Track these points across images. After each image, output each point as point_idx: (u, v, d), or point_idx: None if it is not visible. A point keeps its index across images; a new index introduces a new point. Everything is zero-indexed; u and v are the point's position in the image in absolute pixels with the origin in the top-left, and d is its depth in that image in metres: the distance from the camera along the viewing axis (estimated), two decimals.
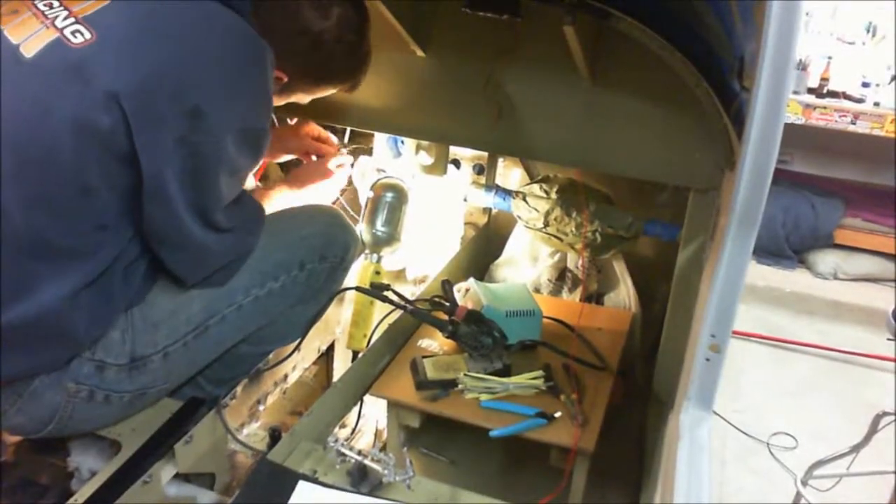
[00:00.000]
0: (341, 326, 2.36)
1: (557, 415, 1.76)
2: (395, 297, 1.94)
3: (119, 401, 1.43)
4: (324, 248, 1.69)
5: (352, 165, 2.26)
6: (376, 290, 1.95)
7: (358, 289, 2.01)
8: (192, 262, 1.44)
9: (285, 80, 1.59)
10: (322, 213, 1.80)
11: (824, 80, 4.19)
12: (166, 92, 1.22)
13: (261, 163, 1.55)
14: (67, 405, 1.38)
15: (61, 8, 1.28)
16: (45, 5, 1.30)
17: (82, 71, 1.21)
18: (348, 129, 2.57)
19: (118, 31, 1.25)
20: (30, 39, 1.25)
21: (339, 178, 2.06)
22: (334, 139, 2.21)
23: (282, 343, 1.81)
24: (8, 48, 1.25)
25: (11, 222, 1.23)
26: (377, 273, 2.28)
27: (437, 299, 2.04)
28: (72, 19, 1.26)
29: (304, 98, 1.74)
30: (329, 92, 1.78)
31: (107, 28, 1.25)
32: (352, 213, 2.65)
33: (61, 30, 1.25)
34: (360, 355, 1.96)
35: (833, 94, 4.19)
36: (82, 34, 1.24)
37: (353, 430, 1.95)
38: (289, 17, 1.49)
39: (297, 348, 1.80)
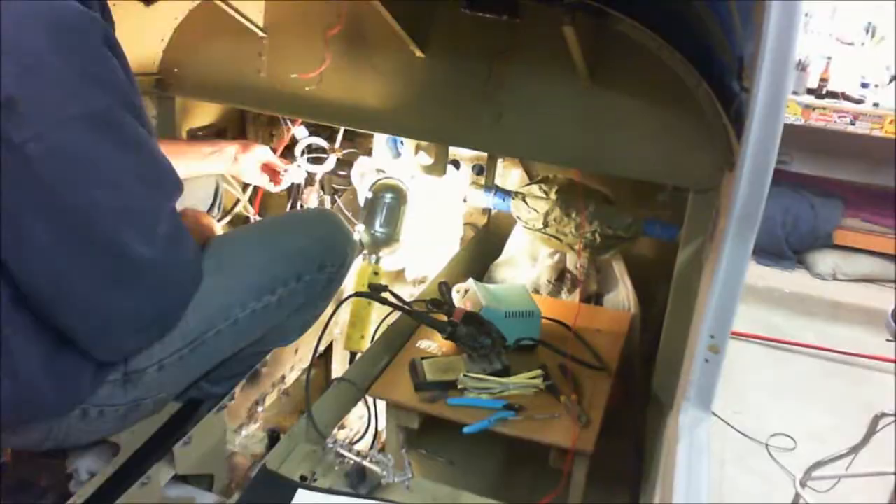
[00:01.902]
0: (339, 327, 2.35)
1: (525, 406, 1.78)
2: (392, 299, 1.94)
3: (114, 413, 1.40)
4: (322, 258, 1.63)
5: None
6: (374, 292, 1.95)
7: (358, 294, 2.01)
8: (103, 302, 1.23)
9: None
10: (319, 220, 1.76)
11: (823, 80, 4.19)
12: None
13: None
14: (61, 425, 1.35)
15: None
16: None
17: None
18: (342, 130, 2.58)
19: None
20: None
21: None
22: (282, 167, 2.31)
23: (279, 344, 1.79)
24: None
25: None
26: (375, 274, 2.28)
27: (434, 301, 2.04)
28: None
29: None
30: None
31: None
32: (351, 214, 2.65)
33: None
34: (358, 356, 1.96)
35: (832, 95, 4.19)
36: None
37: (366, 431, 1.94)
38: None
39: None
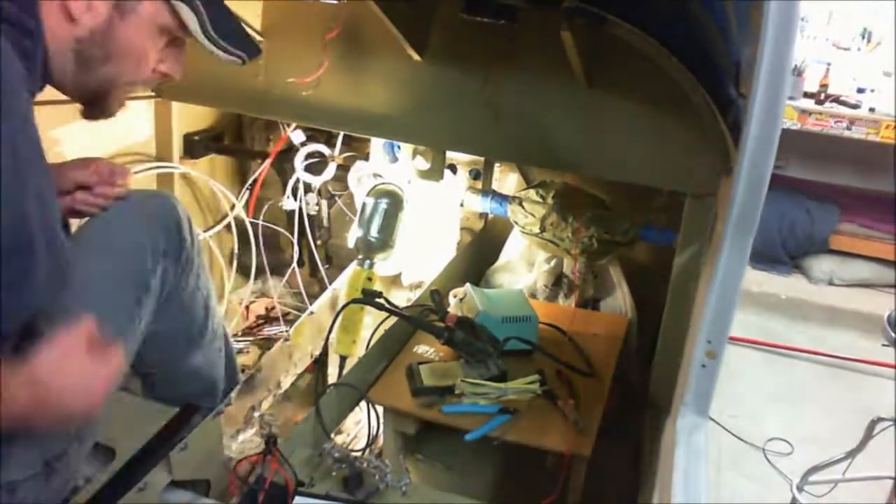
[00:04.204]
0: (334, 332, 2.35)
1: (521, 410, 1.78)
2: (386, 305, 1.94)
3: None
4: (158, 240, 1.48)
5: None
6: (369, 298, 1.95)
7: (355, 301, 2.00)
8: None
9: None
10: (139, 203, 1.51)
11: (823, 86, 4.20)
12: None
13: None
14: None
15: None
16: None
17: None
18: (341, 135, 2.59)
19: None
20: None
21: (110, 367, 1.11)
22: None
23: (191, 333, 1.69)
24: None
25: None
26: (369, 279, 2.27)
27: (428, 306, 2.04)
28: None
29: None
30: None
31: None
32: (350, 215, 2.65)
33: None
34: (356, 361, 1.96)
35: (833, 100, 4.20)
36: None
37: (370, 438, 1.92)
38: None
39: None
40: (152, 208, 1.52)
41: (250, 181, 2.70)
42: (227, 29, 1.25)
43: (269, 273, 2.75)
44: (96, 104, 1.20)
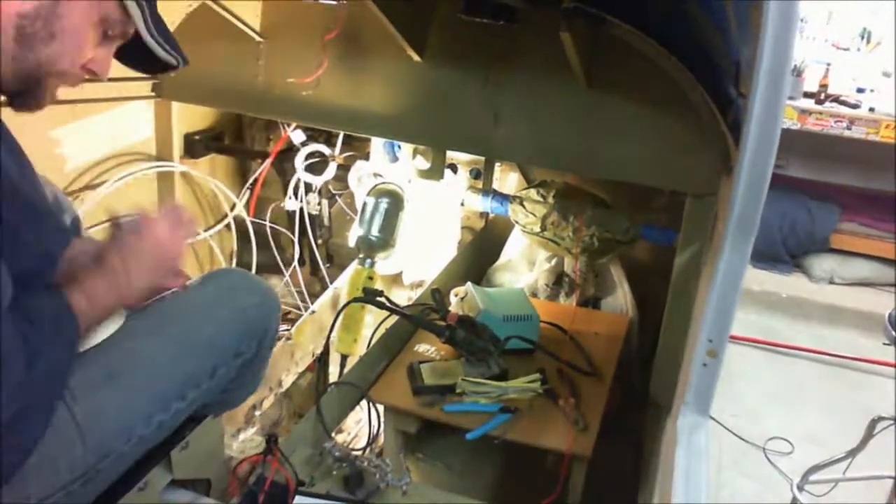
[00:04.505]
0: (336, 331, 2.35)
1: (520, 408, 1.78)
2: (387, 304, 1.94)
3: None
4: (236, 344, 1.35)
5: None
6: (370, 297, 1.95)
7: (356, 300, 2.01)
8: None
9: None
10: (227, 294, 1.40)
11: (823, 86, 4.20)
12: None
13: None
14: None
15: None
16: None
17: None
18: (341, 134, 2.59)
19: None
20: None
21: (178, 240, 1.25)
22: None
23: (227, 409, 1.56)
24: None
25: None
26: (370, 279, 2.28)
27: (429, 305, 2.04)
28: None
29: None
30: None
31: None
32: (350, 215, 2.65)
33: None
34: (357, 359, 1.96)
35: (833, 100, 4.20)
36: None
37: (372, 436, 1.92)
38: None
39: None
40: (253, 312, 1.39)
41: (251, 181, 2.70)
42: (165, 31, 1.17)
43: (283, 268, 2.75)
44: (29, 93, 1.09)
